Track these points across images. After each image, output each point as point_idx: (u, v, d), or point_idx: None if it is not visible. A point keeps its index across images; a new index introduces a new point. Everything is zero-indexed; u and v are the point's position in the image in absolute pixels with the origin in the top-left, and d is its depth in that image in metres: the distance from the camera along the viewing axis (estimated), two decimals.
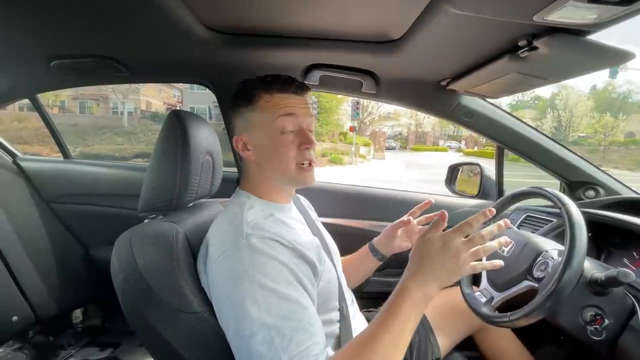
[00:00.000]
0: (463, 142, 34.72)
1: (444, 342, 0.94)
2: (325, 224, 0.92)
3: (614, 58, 0.70)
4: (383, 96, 1.25)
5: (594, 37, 0.65)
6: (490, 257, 0.76)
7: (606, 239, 0.94)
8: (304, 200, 0.92)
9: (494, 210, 0.63)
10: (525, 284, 0.75)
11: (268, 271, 0.56)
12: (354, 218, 1.39)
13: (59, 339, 1.54)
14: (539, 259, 0.76)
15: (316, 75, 1.12)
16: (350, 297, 0.84)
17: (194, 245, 0.70)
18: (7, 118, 14.79)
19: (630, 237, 0.88)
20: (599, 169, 1.25)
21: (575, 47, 0.68)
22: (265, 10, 0.79)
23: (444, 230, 0.61)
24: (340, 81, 1.15)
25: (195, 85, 1.49)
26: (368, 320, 0.93)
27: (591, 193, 1.24)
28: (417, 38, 0.81)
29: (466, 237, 0.59)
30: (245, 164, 0.74)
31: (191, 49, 1.00)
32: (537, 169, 1.30)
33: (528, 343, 1.01)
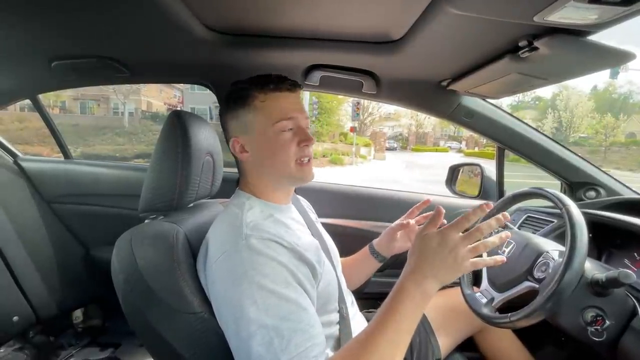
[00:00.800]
0: (464, 143, 34.73)
1: (445, 342, 0.93)
2: (324, 225, 0.92)
3: (615, 58, 0.70)
4: (383, 97, 1.25)
5: (595, 37, 0.65)
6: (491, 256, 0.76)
7: (607, 239, 0.94)
8: (303, 201, 0.92)
9: (492, 205, 0.61)
10: (526, 284, 0.75)
11: (267, 272, 0.56)
12: (353, 218, 1.39)
13: (59, 339, 1.55)
14: (539, 259, 0.76)
15: (317, 76, 1.12)
16: (350, 298, 0.84)
17: (194, 246, 0.70)
18: (8, 118, 14.84)
19: (631, 238, 0.88)
20: (600, 170, 1.24)
21: (576, 48, 0.68)
22: (265, 10, 0.79)
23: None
24: (340, 82, 1.15)
25: (196, 86, 1.49)
26: (368, 321, 0.93)
27: (592, 194, 1.23)
28: (418, 38, 0.81)
29: (464, 232, 0.58)
30: (244, 165, 0.74)
31: (192, 50, 1.00)
32: (538, 169, 1.30)
33: (529, 344, 1.01)
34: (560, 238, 0.87)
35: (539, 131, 1.27)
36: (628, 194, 1.21)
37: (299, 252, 0.62)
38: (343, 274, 0.90)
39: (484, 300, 0.80)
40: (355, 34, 0.89)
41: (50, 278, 1.42)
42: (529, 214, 1.19)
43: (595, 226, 0.91)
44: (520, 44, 0.73)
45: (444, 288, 0.59)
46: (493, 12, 0.62)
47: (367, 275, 0.97)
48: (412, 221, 0.87)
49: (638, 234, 0.85)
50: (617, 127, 28.47)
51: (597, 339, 0.67)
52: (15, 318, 1.29)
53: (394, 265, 0.99)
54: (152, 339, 0.65)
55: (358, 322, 0.81)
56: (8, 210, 1.34)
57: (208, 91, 1.29)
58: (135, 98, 21.59)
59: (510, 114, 1.27)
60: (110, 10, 0.77)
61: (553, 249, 0.77)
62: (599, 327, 0.67)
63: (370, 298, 1.17)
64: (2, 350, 1.35)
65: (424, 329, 0.93)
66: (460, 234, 0.57)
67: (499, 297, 0.79)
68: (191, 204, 0.84)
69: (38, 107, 1.51)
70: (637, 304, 0.68)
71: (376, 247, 0.93)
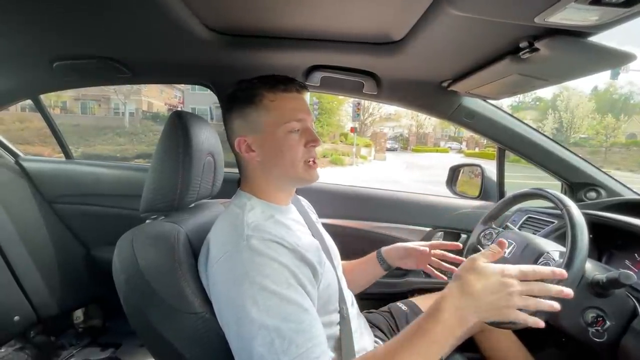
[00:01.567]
0: (464, 143, 34.71)
1: None
2: (325, 225, 0.91)
3: (616, 59, 0.70)
4: (384, 97, 1.25)
5: (596, 38, 0.65)
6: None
7: (608, 240, 0.94)
8: (304, 202, 0.92)
9: (565, 275, 0.56)
10: None
11: (268, 272, 0.56)
12: (353, 219, 1.39)
13: (60, 339, 1.55)
14: (540, 260, 0.76)
15: (317, 76, 1.12)
16: (350, 299, 0.84)
17: (196, 246, 0.71)
18: (9, 118, 14.85)
19: (631, 239, 0.88)
20: (601, 170, 1.24)
21: (577, 49, 0.68)
22: (266, 11, 0.79)
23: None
24: (341, 82, 1.15)
25: (197, 86, 1.49)
26: (369, 321, 0.93)
27: (592, 194, 1.23)
28: (419, 39, 0.81)
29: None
30: (247, 165, 0.73)
31: (193, 50, 1.00)
32: (538, 170, 1.30)
33: (529, 345, 1.00)
34: (560, 239, 0.88)
35: (539, 132, 1.27)
36: (629, 195, 1.21)
37: (300, 253, 0.62)
38: (347, 276, 0.90)
39: None
40: (356, 34, 0.90)
41: (51, 278, 1.42)
42: (529, 215, 1.19)
43: (596, 227, 0.91)
44: (521, 45, 0.73)
45: (481, 321, 0.56)
46: (494, 13, 0.62)
47: (372, 280, 0.97)
48: (427, 249, 0.86)
49: (639, 234, 0.85)
50: (618, 128, 28.44)
51: (597, 340, 0.67)
52: (16, 318, 1.29)
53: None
54: (153, 339, 0.65)
55: (358, 322, 0.81)
56: (9, 210, 1.34)
57: (209, 91, 1.29)
58: (136, 98, 21.60)
59: (511, 115, 1.27)
60: (110, 10, 0.77)
61: (554, 250, 0.77)
62: (599, 328, 0.67)
63: (370, 298, 1.17)
64: (3, 350, 1.35)
65: None
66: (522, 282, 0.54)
67: None
68: (192, 204, 0.84)
69: (39, 107, 1.51)
70: (637, 304, 0.68)
71: (384, 255, 0.93)
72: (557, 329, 0.74)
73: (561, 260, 0.68)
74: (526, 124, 1.27)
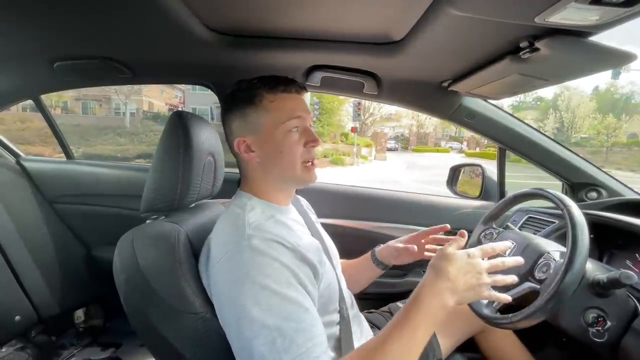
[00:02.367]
0: (465, 143, 34.70)
1: (446, 343, 0.93)
2: (324, 225, 0.92)
3: (616, 59, 0.70)
4: (385, 97, 1.25)
5: (596, 38, 0.65)
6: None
7: (608, 240, 0.94)
8: (303, 202, 0.92)
9: (522, 261, 0.65)
10: (527, 285, 0.75)
11: (269, 272, 0.56)
12: (353, 219, 1.39)
13: (60, 338, 1.55)
14: (540, 260, 0.76)
15: (318, 77, 1.12)
16: (350, 299, 0.84)
17: (196, 246, 0.71)
18: (10, 118, 14.88)
19: (632, 239, 0.88)
20: (601, 170, 1.24)
21: (577, 49, 0.68)
22: (267, 11, 0.80)
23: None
24: (342, 82, 1.15)
25: (197, 86, 1.50)
26: (369, 321, 0.93)
27: (593, 194, 1.23)
28: (419, 39, 0.81)
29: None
30: (246, 165, 0.73)
31: (193, 51, 1.00)
32: (539, 170, 1.30)
33: (530, 345, 1.00)
34: (561, 239, 0.87)
35: (540, 132, 1.27)
36: (629, 195, 1.21)
37: (301, 253, 0.62)
38: (345, 277, 0.90)
39: (485, 301, 0.80)
40: (356, 34, 0.90)
41: (52, 278, 1.42)
42: (530, 215, 1.19)
43: (597, 227, 0.91)
44: (522, 44, 0.73)
45: (458, 304, 0.60)
46: (494, 13, 0.62)
47: (369, 280, 0.97)
48: (415, 247, 0.87)
49: (639, 234, 0.84)
50: (619, 128, 28.37)
51: (598, 340, 0.67)
52: (17, 317, 1.30)
53: (394, 266, 0.99)
54: (153, 339, 0.65)
55: (358, 322, 0.82)
56: (10, 210, 1.35)
57: (209, 91, 1.29)
58: (136, 98, 21.61)
59: (512, 115, 1.27)
60: (111, 11, 0.77)
61: (554, 250, 0.77)
62: (600, 328, 0.67)
63: (370, 298, 1.17)
64: (4, 350, 1.35)
65: None
66: (486, 260, 0.61)
67: None
68: (192, 204, 0.85)
69: (40, 107, 1.52)
70: (638, 304, 0.68)
71: (378, 256, 0.94)
72: (557, 329, 0.74)
73: (562, 260, 0.68)
74: (527, 124, 1.26)
